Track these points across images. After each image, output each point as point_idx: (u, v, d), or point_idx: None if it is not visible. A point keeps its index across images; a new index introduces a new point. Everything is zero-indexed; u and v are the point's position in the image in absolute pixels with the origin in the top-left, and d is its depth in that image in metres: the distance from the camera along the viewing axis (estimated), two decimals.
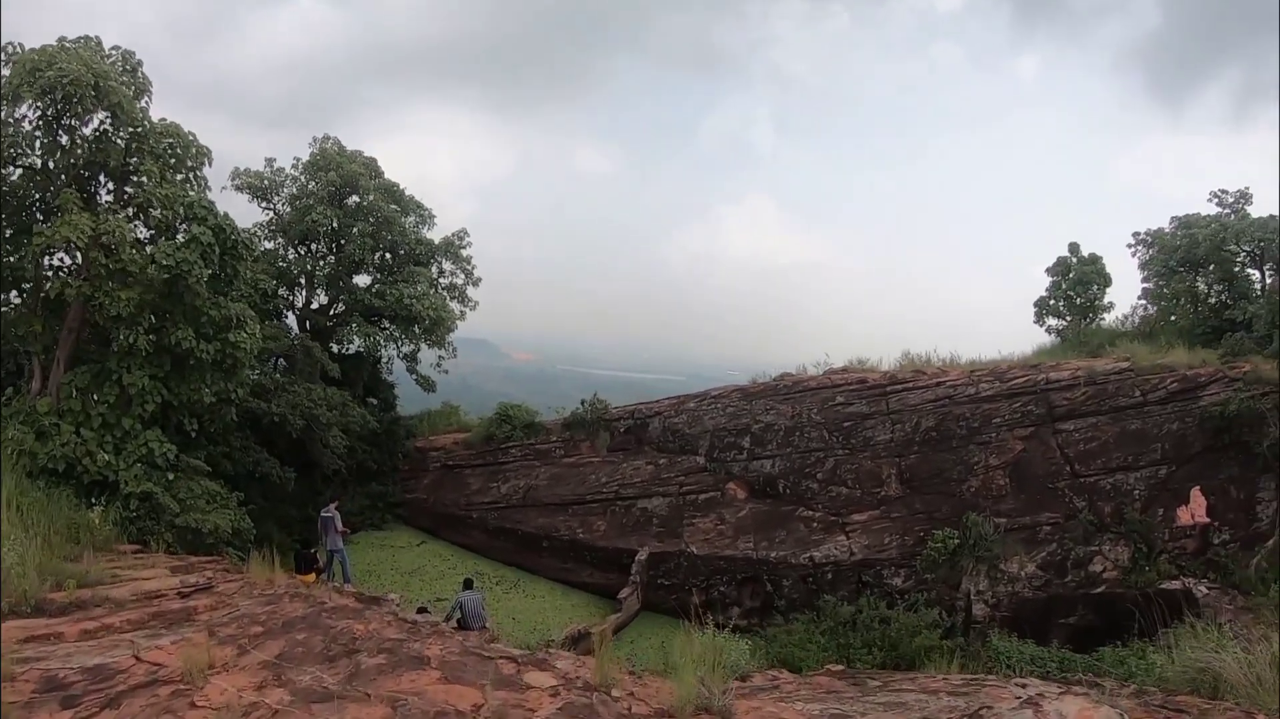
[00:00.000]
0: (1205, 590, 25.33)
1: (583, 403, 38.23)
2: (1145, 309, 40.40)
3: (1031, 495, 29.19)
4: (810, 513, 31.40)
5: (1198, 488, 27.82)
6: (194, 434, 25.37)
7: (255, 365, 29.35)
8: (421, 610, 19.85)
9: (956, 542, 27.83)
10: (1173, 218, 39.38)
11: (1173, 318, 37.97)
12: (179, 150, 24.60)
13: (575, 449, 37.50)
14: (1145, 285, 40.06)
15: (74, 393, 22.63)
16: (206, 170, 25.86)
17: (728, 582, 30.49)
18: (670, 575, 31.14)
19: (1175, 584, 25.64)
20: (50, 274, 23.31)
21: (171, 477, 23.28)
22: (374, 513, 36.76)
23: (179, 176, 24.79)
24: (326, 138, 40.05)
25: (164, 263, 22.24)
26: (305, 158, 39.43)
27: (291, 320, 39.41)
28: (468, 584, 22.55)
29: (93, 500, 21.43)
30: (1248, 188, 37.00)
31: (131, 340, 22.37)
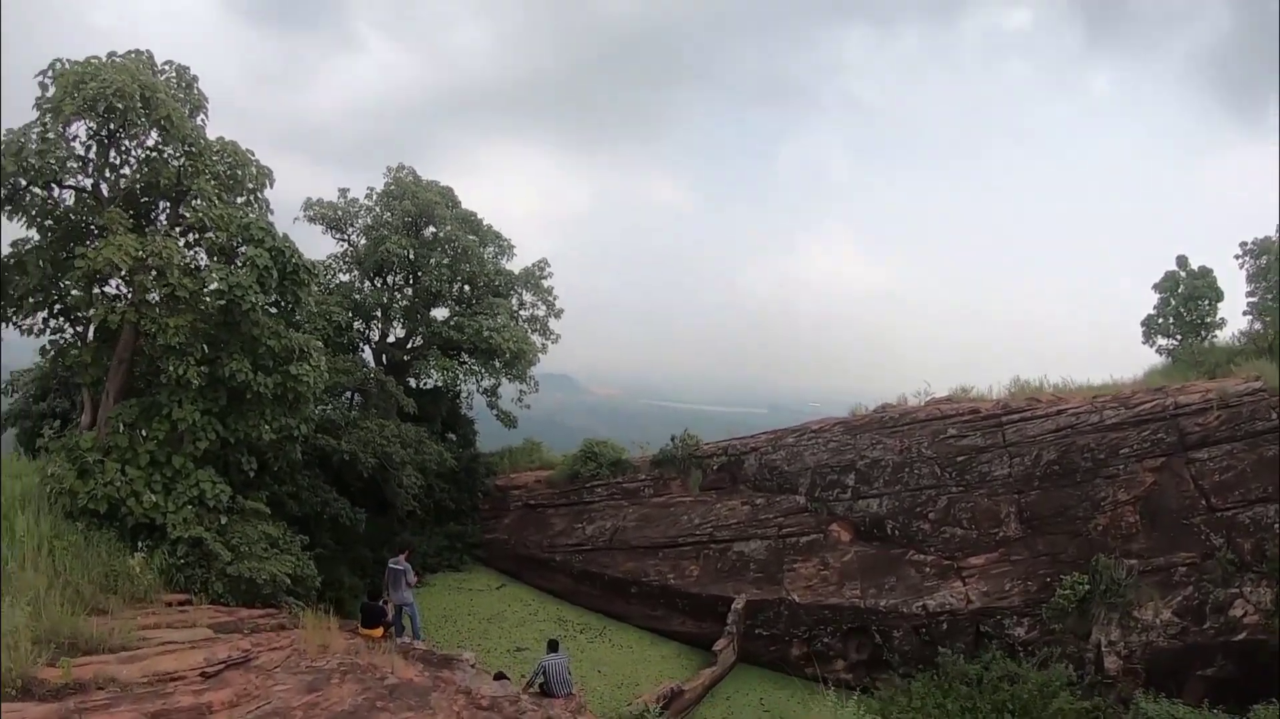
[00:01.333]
0: None
1: (672, 439, 35.32)
2: (1251, 323, 36.38)
3: (1164, 533, 25.38)
4: (922, 556, 27.91)
5: None
6: (253, 473, 22.98)
7: (322, 400, 27.02)
8: (499, 677, 16.99)
9: (1086, 588, 24.47)
10: None
11: None
12: (237, 171, 22.41)
13: (665, 488, 34.57)
14: (1251, 299, 36.34)
15: (120, 428, 20.34)
16: (269, 193, 23.75)
17: (831, 633, 27.10)
18: (769, 625, 27.87)
19: None
20: (97, 300, 21.01)
21: (225, 520, 20.80)
22: (452, 554, 34.40)
23: (239, 199, 22.66)
24: (401, 167, 38.16)
25: (217, 288, 19.91)
26: (379, 188, 37.36)
27: (367, 355, 37.44)
28: (552, 646, 19.69)
29: (137, 545, 19.15)
30: None
31: (181, 372, 19.98)
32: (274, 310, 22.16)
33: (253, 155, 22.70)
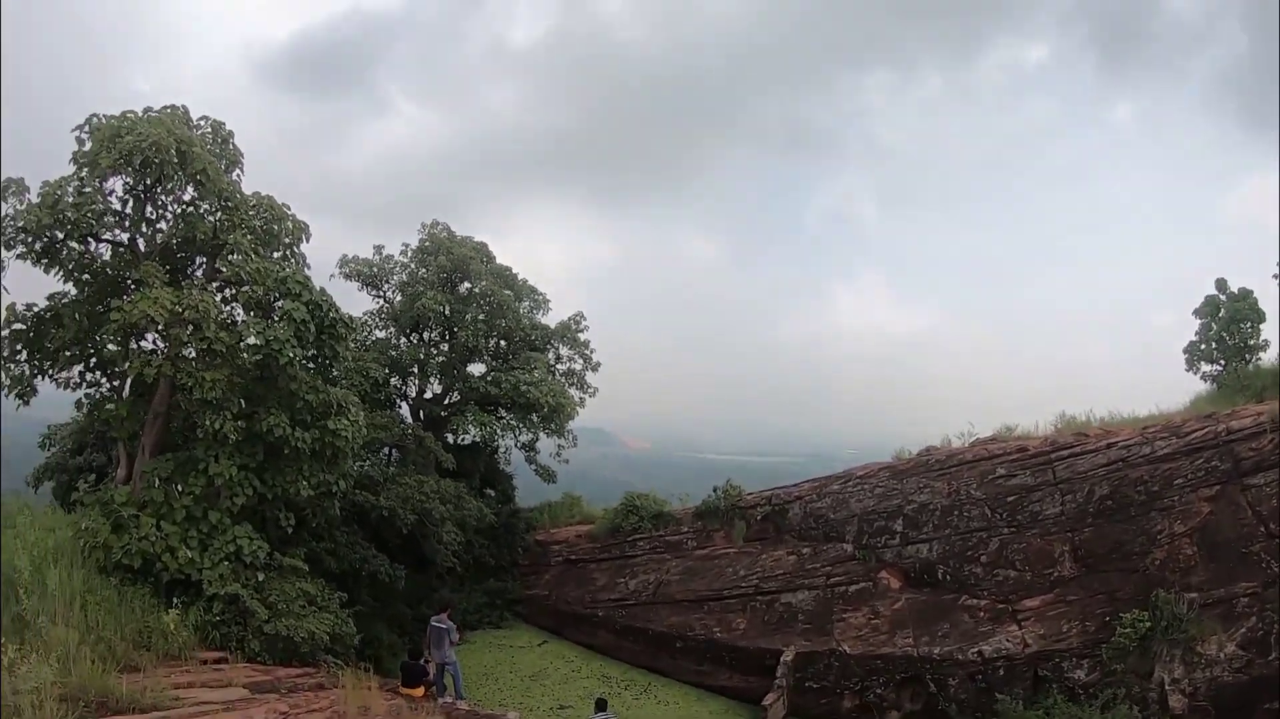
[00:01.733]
0: None
1: (715, 489, 34.46)
2: None
3: (1223, 564, 24.24)
4: (975, 601, 26.80)
5: None
6: (291, 530, 22.42)
7: (360, 455, 26.54)
8: None
9: (1147, 625, 23.40)
10: None
11: None
12: (273, 225, 22.21)
13: (708, 540, 33.63)
14: None
15: (156, 482, 19.95)
16: (305, 249, 23.51)
17: (884, 683, 26.01)
18: (819, 678, 26.82)
19: None
20: (133, 354, 20.71)
21: (262, 577, 20.22)
22: (492, 611, 33.68)
23: (276, 254, 22.45)
24: (436, 223, 38.10)
25: (254, 342, 19.59)
26: (414, 244, 37.25)
27: (405, 410, 37.07)
28: (600, 705, 18.94)
29: (171, 602, 18.60)
30: None
31: (218, 427, 19.58)
32: (311, 365, 21.83)
33: (289, 210, 22.53)
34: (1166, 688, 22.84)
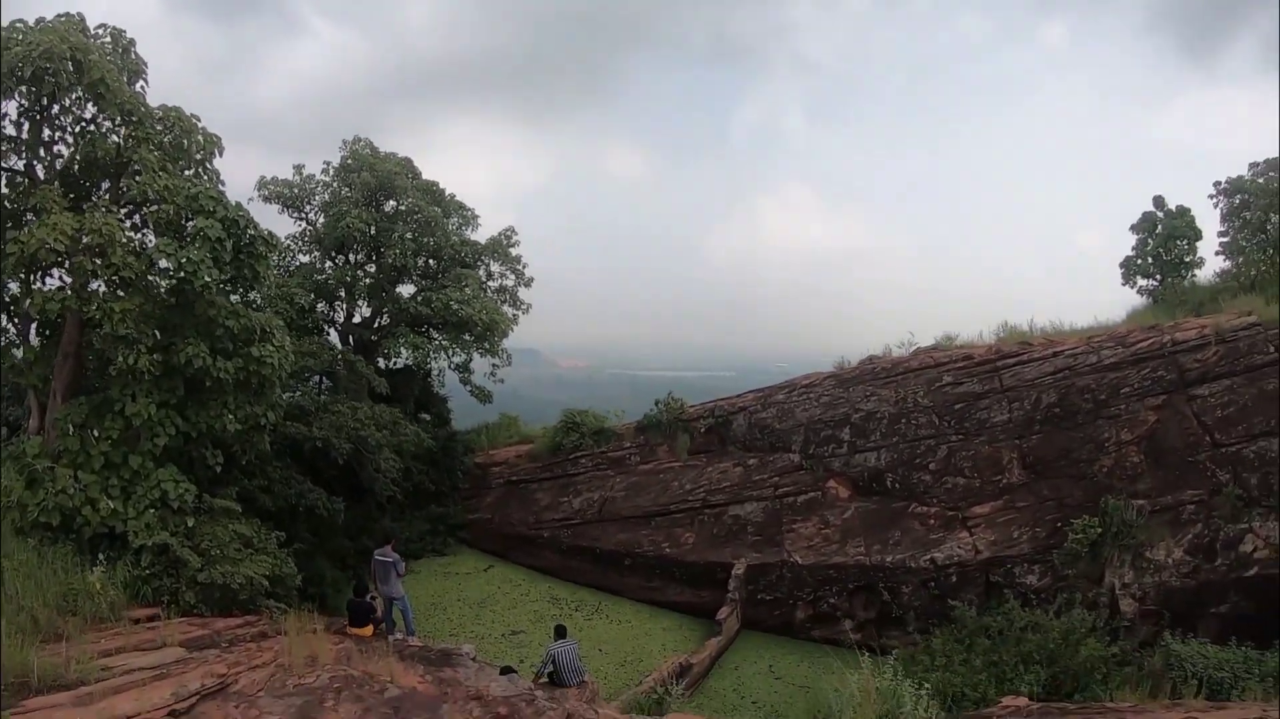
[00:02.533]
0: None
1: (657, 403, 33.52)
2: (1224, 262, 36.10)
3: (1170, 471, 24.31)
4: (925, 509, 26.37)
5: None
6: (220, 469, 20.55)
7: (290, 384, 24.63)
8: (506, 671, 14.97)
9: (1098, 531, 23.26)
10: (1252, 164, 35.12)
11: (1271, 267, 33.10)
12: (183, 140, 19.91)
13: (652, 455, 32.78)
14: (1224, 239, 35.79)
15: (70, 429, 17.91)
16: (224, 175, 21.26)
17: (837, 592, 25.42)
18: (771, 589, 26.14)
19: None
20: (35, 293, 18.40)
21: (192, 522, 18.33)
22: (435, 538, 32.30)
23: (187, 171, 20.18)
24: (358, 139, 35.71)
25: (166, 266, 17.55)
26: (336, 162, 34.84)
27: (333, 337, 34.95)
28: (560, 632, 17.71)
29: (96, 558, 16.80)
30: None
31: (133, 362, 17.54)
32: (230, 288, 19.81)
33: (199, 122, 20.18)
34: (1117, 592, 22.83)
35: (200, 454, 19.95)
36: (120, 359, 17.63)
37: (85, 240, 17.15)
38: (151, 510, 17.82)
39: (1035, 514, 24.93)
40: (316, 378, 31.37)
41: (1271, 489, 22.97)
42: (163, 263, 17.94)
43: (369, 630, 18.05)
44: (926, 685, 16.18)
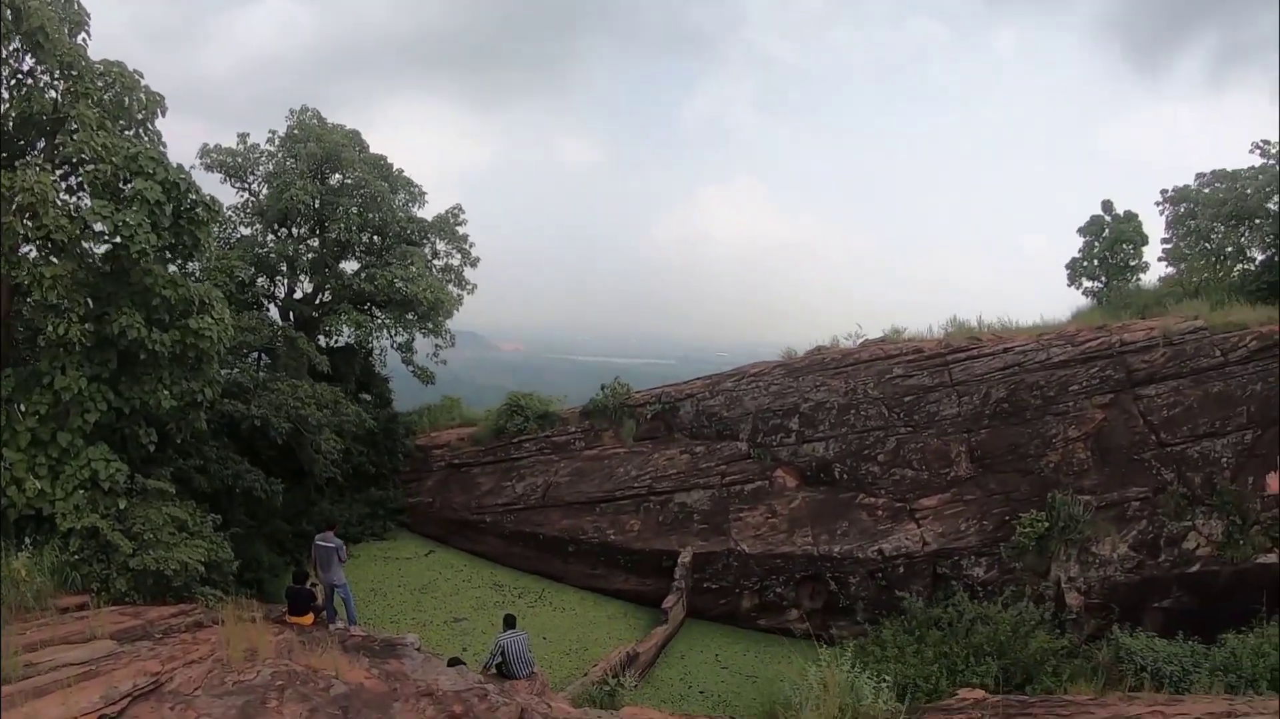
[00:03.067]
0: None
1: (603, 388, 32.81)
2: (1166, 268, 37.35)
3: (1116, 469, 24.80)
4: (873, 500, 26.24)
5: None
6: (153, 448, 19.31)
7: (227, 361, 23.45)
8: (454, 663, 14.22)
9: (1045, 525, 23.58)
10: (1199, 174, 35.94)
11: (1214, 275, 33.99)
12: (124, 97, 18.62)
13: (597, 440, 32.11)
14: (1166, 246, 36.62)
15: None
16: (160, 124, 19.95)
17: (784, 582, 25.18)
18: (718, 578, 25.80)
19: (1271, 557, 22.15)
20: None
21: (124, 504, 17.18)
22: (374, 521, 31.15)
23: (128, 131, 18.92)
24: (305, 109, 34.25)
25: (101, 229, 16.38)
26: (282, 132, 33.43)
27: (274, 313, 33.48)
28: (509, 622, 16.96)
29: (21, 543, 15.61)
30: None
31: (62, 332, 16.36)
32: (169, 256, 18.59)
33: (141, 78, 18.91)
34: (1063, 585, 23.17)
35: (133, 432, 18.72)
36: (50, 329, 16.42)
37: (17, 200, 15.88)
38: (81, 491, 16.69)
39: (983, 507, 25.06)
40: (255, 354, 30.01)
41: (1215, 488, 23.59)
42: (98, 226, 16.75)
43: (309, 619, 17.09)
44: (886, 677, 15.87)
